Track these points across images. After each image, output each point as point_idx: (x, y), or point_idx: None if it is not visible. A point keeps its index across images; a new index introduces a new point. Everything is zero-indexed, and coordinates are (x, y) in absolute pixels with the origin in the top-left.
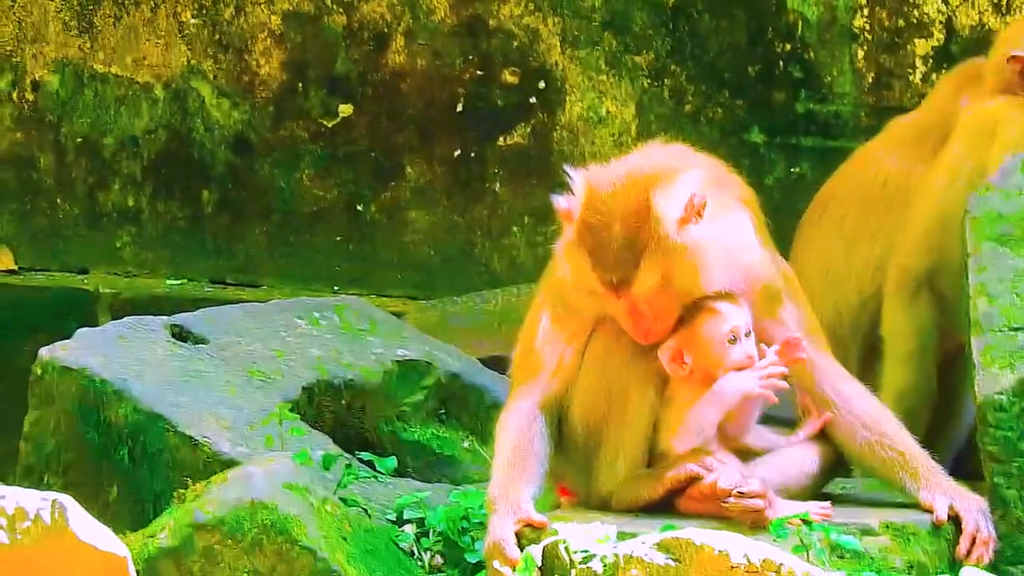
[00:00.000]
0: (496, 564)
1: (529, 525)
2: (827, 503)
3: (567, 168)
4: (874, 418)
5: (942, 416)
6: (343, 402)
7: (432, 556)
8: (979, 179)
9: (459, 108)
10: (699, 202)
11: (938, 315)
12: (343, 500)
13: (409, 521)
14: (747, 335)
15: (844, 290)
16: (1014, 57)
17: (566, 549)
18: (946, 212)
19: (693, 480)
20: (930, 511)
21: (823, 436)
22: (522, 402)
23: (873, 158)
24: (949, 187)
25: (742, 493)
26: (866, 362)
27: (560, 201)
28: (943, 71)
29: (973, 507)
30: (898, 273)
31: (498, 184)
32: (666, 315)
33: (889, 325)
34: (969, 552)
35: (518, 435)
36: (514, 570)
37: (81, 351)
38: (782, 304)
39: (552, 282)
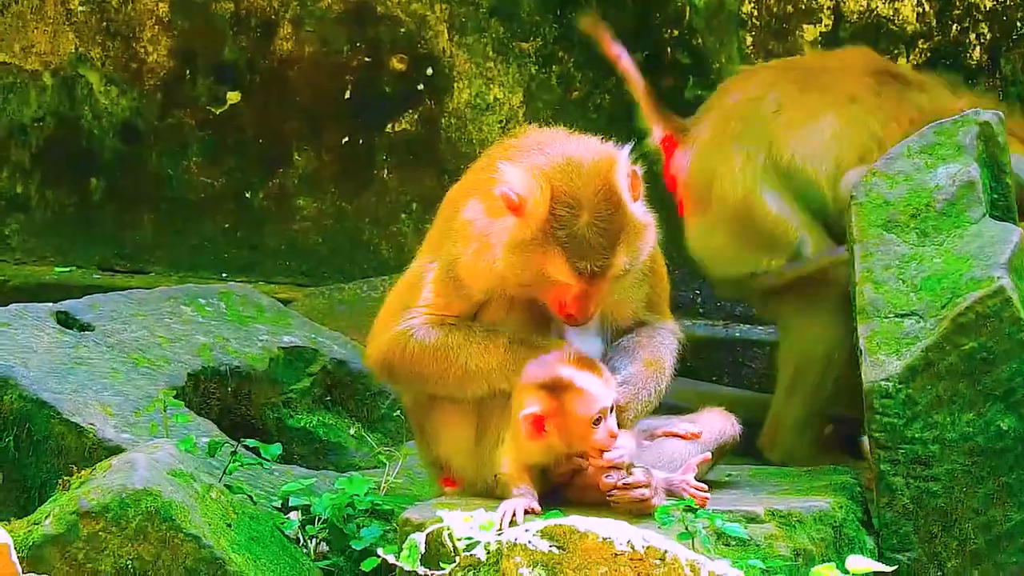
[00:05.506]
0: None
1: None
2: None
3: (501, 164)
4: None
5: None
6: (229, 389)
7: (317, 543)
8: None
9: (347, 95)
10: (638, 180)
11: None
12: (228, 487)
13: (295, 508)
14: (611, 410)
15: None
16: None
17: (450, 536)
18: None
19: (578, 471)
20: None
21: (706, 421)
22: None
23: None
24: None
25: (627, 484)
26: None
27: (508, 192)
28: None
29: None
30: None
31: (386, 171)
32: (604, 297)
33: None
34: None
35: (451, 330)
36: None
37: None
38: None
39: (448, 260)
